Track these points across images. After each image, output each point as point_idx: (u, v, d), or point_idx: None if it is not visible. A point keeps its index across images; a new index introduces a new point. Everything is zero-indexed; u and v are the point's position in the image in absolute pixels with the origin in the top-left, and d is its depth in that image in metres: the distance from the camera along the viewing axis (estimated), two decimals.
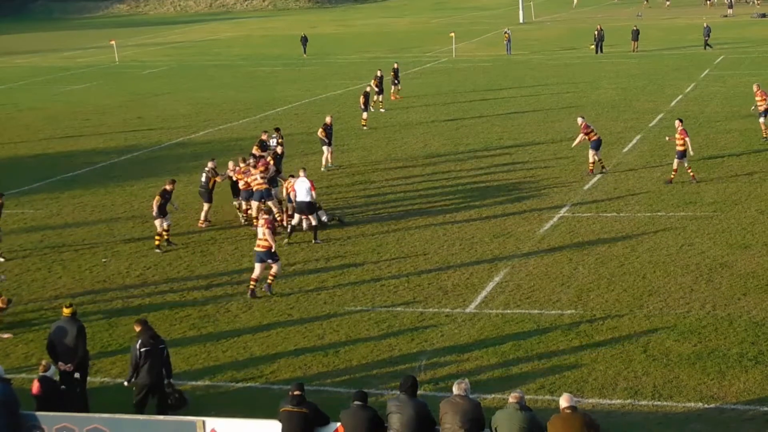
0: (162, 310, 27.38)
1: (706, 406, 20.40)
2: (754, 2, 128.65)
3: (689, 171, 38.46)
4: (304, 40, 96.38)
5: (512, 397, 16.73)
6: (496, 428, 16.57)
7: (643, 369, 22.15)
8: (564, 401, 16.47)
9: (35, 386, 19.89)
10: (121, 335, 25.65)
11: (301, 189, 33.33)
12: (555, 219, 34.48)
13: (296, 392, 17.67)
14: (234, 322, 26.26)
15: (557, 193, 37.76)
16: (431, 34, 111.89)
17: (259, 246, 28.17)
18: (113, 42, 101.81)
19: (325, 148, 43.55)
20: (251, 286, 28.26)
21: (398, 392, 17.39)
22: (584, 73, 73.42)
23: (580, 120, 40.71)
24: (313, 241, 33.02)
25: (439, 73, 77.78)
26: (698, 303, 25.93)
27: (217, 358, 24.05)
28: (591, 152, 40.06)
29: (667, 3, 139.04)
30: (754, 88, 46.91)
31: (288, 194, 34.27)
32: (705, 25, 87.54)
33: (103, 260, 32.21)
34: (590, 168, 40.22)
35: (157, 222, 33.22)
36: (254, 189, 34.70)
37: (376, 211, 36.51)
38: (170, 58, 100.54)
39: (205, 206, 35.63)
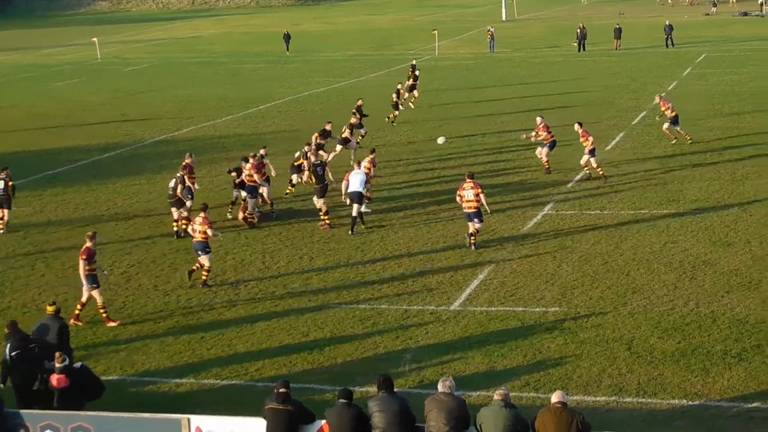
0: (146, 308, 27.34)
1: (690, 403, 20.46)
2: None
3: (585, 169, 39.39)
4: (287, 37, 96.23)
5: (497, 395, 16.76)
6: (480, 425, 16.61)
7: (628, 366, 22.21)
8: (555, 397, 16.55)
9: (60, 379, 19.82)
10: (105, 333, 25.62)
11: (354, 179, 33.82)
12: (539, 217, 34.53)
13: (282, 389, 17.65)
14: (218, 320, 26.23)
15: (541, 191, 37.82)
16: (414, 32, 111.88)
17: (468, 208, 30.97)
18: (95, 39, 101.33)
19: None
20: (472, 240, 31.29)
21: (377, 392, 17.40)
22: (567, 71, 73.55)
23: (539, 120, 41.03)
24: (350, 232, 33.37)
25: (422, 70, 77.43)
26: (682, 300, 26.01)
27: (201, 356, 24.02)
28: (545, 150, 40.36)
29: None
30: (656, 99, 47.67)
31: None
32: (667, 23, 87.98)
33: (104, 272, 31.07)
34: (546, 166, 40.52)
35: (174, 210, 34.07)
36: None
37: None
38: (153, 55, 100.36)
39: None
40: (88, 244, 26.36)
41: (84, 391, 20.30)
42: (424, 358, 23.20)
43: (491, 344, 23.79)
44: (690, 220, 33.27)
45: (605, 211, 34.78)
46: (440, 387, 17.10)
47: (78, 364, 20.59)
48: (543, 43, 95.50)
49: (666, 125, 45.72)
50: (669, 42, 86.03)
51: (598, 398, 20.83)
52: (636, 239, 31.47)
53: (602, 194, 36.95)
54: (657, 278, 27.81)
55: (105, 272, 27.94)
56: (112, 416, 18.90)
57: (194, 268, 29.19)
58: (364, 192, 34.00)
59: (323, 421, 17.50)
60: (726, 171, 39.66)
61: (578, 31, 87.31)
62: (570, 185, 38.56)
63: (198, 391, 22.20)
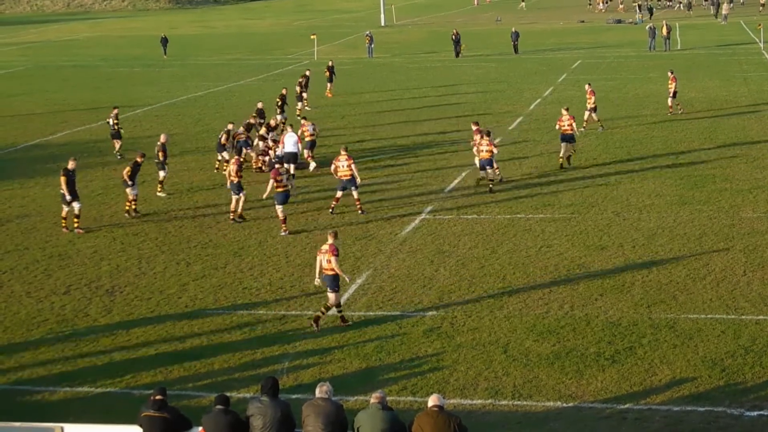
0: (18, 315, 26.82)
1: (564, 405, 20.75)
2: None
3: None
4: (164, 41, 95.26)
5: (374, 398, 16.80)
6: (358, 428, 16.62)
7: (504, 369, 22.43)
8: (432, 400, 16.62)
9: None
10: None
11: (289, 141, 40.69)
12: (416, 221, 34.70)
13: (158, 397, 17.45)
14: (93, 327, 25.83)
15: (419, 196, 38.02)
16: (293, 36, 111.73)
17: (344, 176, 35.23)
18: None
19: (161, 173, 39.72)
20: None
21: (260, 394, 17.34)
22: (445, 77, 74.07)
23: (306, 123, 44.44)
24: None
25: (300, 75, 77.56)
26: (557, 303, 26.36)
27: (75, 364, 23.63)
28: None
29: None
30: (586, 87, 51.49)
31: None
32: (513, 30, 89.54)
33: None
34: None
35: (127, 190, 36.23)
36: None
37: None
38: (26, 58, 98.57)
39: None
40: (331, 240, 25.57)
41: None
42: (301, 363, 23.17)
43: (369, 348, 23.85)
44: (565, 224, 33.74)
45: (482, 216, 35.09)
46: (318, 392, 17.09)
47: None
48: (421, 48, 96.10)
49: (587, 114, 50.30)
50: (515, 49, 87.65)
51: (474, 401, 21.00)
52: (512, 243, 31.82)
53: (479, 199, 37.26)
54: (532, 282, 28.15)
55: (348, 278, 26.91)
56: None
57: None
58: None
59: (200, 428, 17.36)
60: (600, 175, 40.29)
61: (452, 36, 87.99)
62: (448, 190, 38.83)
63: (72, 399, 21.83)
